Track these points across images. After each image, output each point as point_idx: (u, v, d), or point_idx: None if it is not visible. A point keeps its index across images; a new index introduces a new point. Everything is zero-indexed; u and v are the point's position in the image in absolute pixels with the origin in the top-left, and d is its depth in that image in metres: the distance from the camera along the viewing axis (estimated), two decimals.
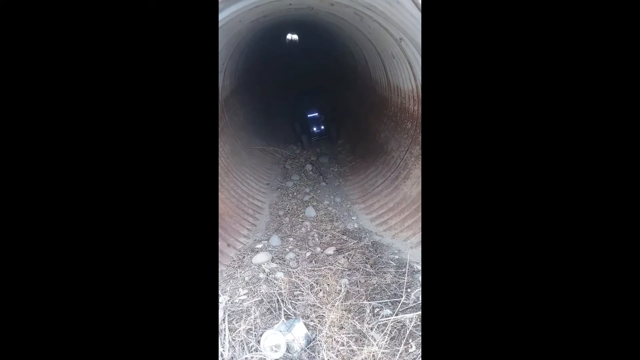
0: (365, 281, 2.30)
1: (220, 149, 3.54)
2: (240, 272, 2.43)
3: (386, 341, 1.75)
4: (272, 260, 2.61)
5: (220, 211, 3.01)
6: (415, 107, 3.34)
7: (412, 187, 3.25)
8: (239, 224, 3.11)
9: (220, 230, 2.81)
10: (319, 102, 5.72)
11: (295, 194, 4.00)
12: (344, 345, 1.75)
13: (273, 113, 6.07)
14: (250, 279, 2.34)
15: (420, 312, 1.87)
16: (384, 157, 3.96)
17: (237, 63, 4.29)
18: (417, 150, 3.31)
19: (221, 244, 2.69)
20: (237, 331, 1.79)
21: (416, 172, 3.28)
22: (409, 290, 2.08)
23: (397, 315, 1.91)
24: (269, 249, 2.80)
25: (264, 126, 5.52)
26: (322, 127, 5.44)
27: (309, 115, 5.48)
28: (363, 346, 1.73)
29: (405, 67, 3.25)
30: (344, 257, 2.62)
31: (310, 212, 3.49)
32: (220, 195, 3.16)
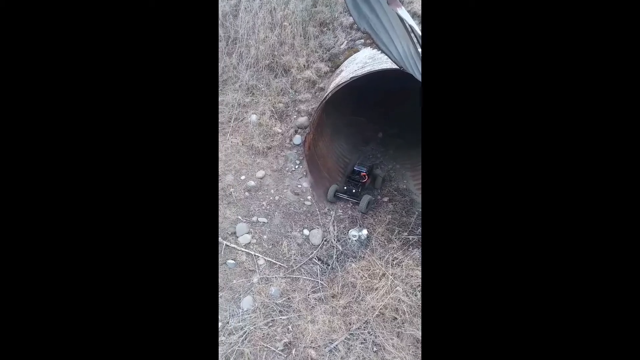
0: (400, 218, 4.59)
1: (327, 121, 5.66)
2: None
3: (399, 245, 4.11)
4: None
5: (327, 165, 5.35)
6: None
7: None
8: (336, 174, 5.48)
9: (328, 176, 5.20)
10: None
11: (369, 156, 6.17)
12: (381, 241, 4.16)
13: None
14: (343, 205, 4.80)
15: (420, 236, 4.17)
16: None
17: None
18: None
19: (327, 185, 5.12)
20: (339, 227, 4.30)
21: None
22: (418, 229, 4.36)
23: (408, 235, 4.24)
24: None
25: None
26: (354, 190, 4.47)
27: (355, 168, 4.60)
28: (390, 242, 4.13)
29: None
30: (392, 204, 4.89)
31: (379, 171, 5.68)
32: (329, 154, 5.48)
